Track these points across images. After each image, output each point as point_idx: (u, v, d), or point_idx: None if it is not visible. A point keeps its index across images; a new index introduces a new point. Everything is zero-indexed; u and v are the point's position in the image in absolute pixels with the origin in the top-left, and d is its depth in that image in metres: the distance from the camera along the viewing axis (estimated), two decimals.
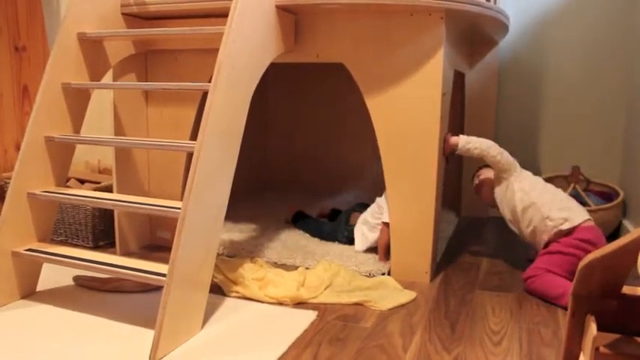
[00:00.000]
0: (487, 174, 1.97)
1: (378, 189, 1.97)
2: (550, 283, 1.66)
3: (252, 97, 1.58)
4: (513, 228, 1.90)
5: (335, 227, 2.18)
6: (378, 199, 2.04)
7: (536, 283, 1.69)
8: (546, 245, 1.77)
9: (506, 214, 1.88)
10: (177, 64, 1.97)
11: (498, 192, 1.90)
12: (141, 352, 1.29)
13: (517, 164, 1.88)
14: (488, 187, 1.95)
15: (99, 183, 2.34)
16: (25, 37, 2.70)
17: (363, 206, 2.18)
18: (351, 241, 2.10)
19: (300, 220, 2.32)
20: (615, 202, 2.33)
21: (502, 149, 1.85)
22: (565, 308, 1.57)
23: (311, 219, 2.33)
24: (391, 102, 1.77)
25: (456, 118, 2.54)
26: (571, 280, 1.49)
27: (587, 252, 1.66)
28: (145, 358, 1.27)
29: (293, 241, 2.15)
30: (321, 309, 1.58)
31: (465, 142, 1.85)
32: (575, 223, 1.73)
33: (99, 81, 1.79)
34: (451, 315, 1.57)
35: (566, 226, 1.73)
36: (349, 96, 2.84)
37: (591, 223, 1.75)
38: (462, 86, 2.53)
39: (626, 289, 1.07)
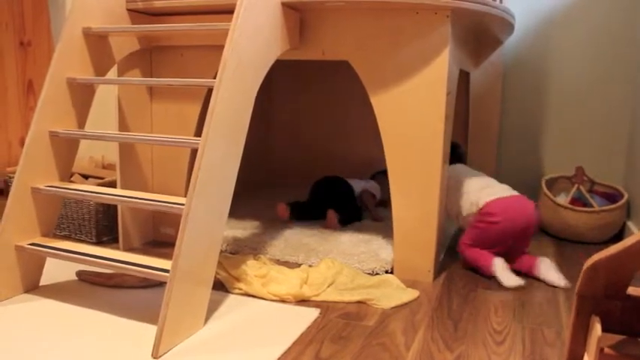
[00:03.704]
0: None
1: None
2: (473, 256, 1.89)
3: (257, 93, 1.57)
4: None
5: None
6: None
7: (465, 253, 1.93)
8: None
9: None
10: (183, 60, 1.97)
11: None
12: (143, 348, 1.30)
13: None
14: None
15: (103, 178, 2.34)
16: (31, 32, 2.70)
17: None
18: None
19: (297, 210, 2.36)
20: (619, 204, 2.32)
21: None
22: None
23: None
24: (396, 100, 1.76)
25: (461, 117, 2.54)
26: (480, 248, 1.86)
27: (487, 223, 1.85)
28: (148, 353, 1.28)
29: (296, 238, 2.15)
30: (324, 307, 1.58)
31: None
32: (481, 205, 1.88)
33: (104, 76, 1.80)
34: (454, 314, 1.57)
35: (474, 209, 1.91)
36: (354, 91, 2.84)
37: (495, 198, 1.87)
38: (467, 85, 2.53)
39: (631, 290, 1.06)
